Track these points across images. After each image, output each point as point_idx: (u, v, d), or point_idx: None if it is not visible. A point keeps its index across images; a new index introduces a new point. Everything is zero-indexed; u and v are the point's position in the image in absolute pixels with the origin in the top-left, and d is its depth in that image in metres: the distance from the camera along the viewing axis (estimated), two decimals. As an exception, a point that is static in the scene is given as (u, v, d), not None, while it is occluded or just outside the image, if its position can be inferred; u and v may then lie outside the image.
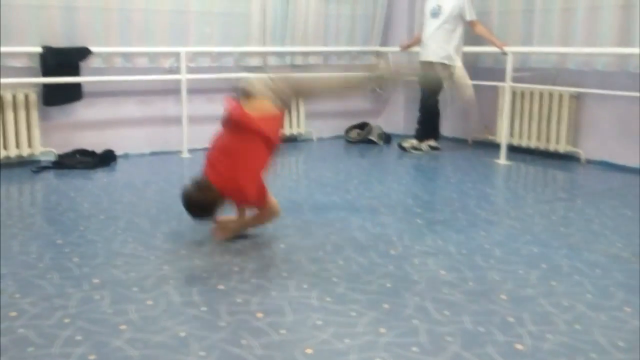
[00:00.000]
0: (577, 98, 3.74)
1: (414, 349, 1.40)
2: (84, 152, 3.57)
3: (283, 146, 4.19)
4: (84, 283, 1.77)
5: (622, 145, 3.58)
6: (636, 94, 3.35)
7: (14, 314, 1.55)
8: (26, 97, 3.42)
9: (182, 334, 1.45)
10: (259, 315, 1.56)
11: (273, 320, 1.53)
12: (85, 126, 3.68)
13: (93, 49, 3.52)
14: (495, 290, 1.75)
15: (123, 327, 1.49)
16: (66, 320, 1.52)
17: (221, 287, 1.74)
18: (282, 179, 3.27)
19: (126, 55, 3.69)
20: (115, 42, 3.62)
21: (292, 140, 4.44)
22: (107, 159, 3.57)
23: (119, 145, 3.76)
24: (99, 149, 3.63)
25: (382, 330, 1.49)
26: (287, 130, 4.36)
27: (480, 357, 1.36)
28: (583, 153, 3.76)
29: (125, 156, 3.78)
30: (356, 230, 2.32)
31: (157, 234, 2.24)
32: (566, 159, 3.81)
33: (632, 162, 3.53)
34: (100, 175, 3.26)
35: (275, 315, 1.56)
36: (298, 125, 4.41)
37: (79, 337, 1.44)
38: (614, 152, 3.62)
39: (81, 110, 3.65)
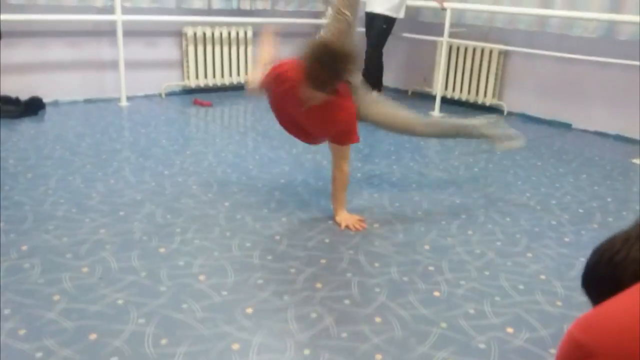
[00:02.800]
0: (505, 55, 3.81)
1: (346, 301, 1.46)
2: (6, 100, 3.13)
3: (231, 97, 4.03)
4: (11, 251, 1.62)
5: (539, 99, 3.74)
6: (553, 53, 3.46)
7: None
8: (-58, 41, 2.94)
9: (120, 302, 1.40)
10: (201, 277, 1.53)
11: (215, 282, 1.52)
12: (6, 70, 3.22)
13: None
14: (420, 241, 1.84)
15: (56, 297, 1.40)
16: (-2, 291, 1.41)
17: (162, 250, 1.68)
18: (228, 132, 3.14)
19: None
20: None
21: (240, 88, 4.22)
22: (33, 106, 3.16)
23: (48, 91, 3.36)
24: (24, 96, 3.22)
25: (319, 285, 1.53)
26: (235, 79, 4.13)
27: (403, 306, 1.45)
28: (506, 105, 3.91)
29: (55, 103, 3.42)
30: (300, 185, 2.31)
31: (93, 194, 2.08)
32: (491, 111, 3.93)
33: (546, 115, 3.72)
34: (26, 126, 2.94)
35: (217, 277, 1.55)
36: (246, 72, 4.18)
37: (6, 311, 1.33)
38: (532, 105, 3.78)
39: (1, 52, 3.18)
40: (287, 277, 1.56)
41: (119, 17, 3.38)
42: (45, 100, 3.31)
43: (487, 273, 1.65)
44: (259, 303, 1.43)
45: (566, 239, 1.91)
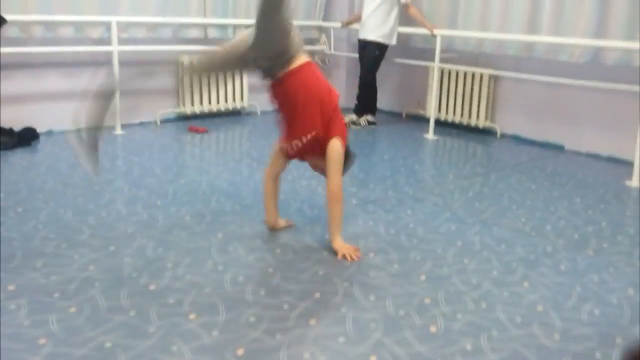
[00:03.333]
0: (495, 78, 3.85)
1: (341, 339, 1.42)
2: (0, 131, 3.14)
3: (226, 122, 4.03)
4: None
5: (531, 121, 3.76)
6: (542, 77, 3.50)
7: None
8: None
9: (108, 345, 1.34)
10: (192, 316, 1.49)
11: (205, 320, 1.47)
12: (2, 101, 3.21)
13: (7, 16, 3.04)
14: (416, 271, 1.81)
15: (42, 341, 1.35)
16: (-17, 336, 1.36)
17: (152, 287, 1.63)
18: (223, 158, 3.13)
19: (48, 24, 3.23)
20: (33, 8, 3.14)
21: (236, 114, 4.24)
22: (27, 137, 3.14)
23: (42, 121, 3.34)
24: (17, 126, 3.20)
25: (312, 322, 1.49)
26: (230, 104, 4.15)
27: (399, 343, 1.41)
28: (499, 128, 3.92)
29: (49, 133, 3.40)
30: (295, 214, 2.28)
31: (84, 228, 2.04)
32: (485, 133, 3.95)
33: (538, 137, 3.73)
34: (19, 158, 2.91)
35: (208, 315, 1.50)
36: (242, 99, 4.20)
37: None
38: (524, 127, 3.80)
39: (-1, 85, 3.19)
40: (280, 313, 1.52)
41: (115, 48, 3.40)
42: (39, 130, 3.30)
43: (483, 305, 1.61)
44: (250, 343, 1.38)
45: (562, 267, 1.88)
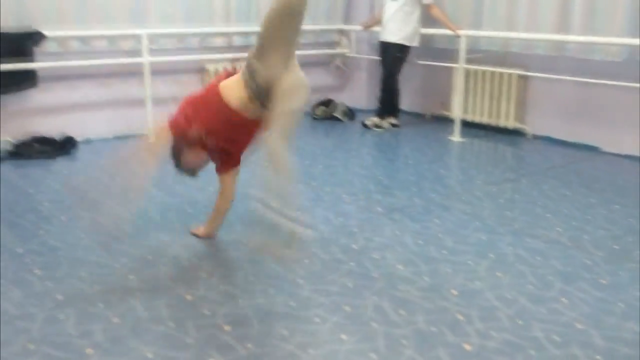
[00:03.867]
0: (524, 78, 3.76)
1: (372, 355, 1.41)
2: (42, 140, 3.29)
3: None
4: (47, 300, 1.66)
5: (563, 122, 3.66)
6: (573, 77, 3.39)
7: (-24, 341, 1.45)
8: (-25, 85, 3.08)
9: (150, 355, 1.40)
10: (226, 328, 1.52)
11: (240, 332, 1.50)
12: (42, 112, 3.38)
13: (47, 32, 3.17)
14: (447, 285, 1.78)
15: (89, 350, 1.42)
16: (31, 347, 1.43)
17: (189, 297, 1.68)
18: (249, 165, 3.15)
19: (83, 39, 3.36)
20: (70, 24, 3.27)
21: (258, 118, 4.27)
22: (67, 146, 3.31)
23: (80, 130, 3.49)
24: (58, 136, 3.36)
25: (344, 336, 1.49)
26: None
27: (432, 362, 1.40)
28: (529, 129, 3.83)
29: (88, 141, 3.53)
30: (321, 222, 2.29)
31: (123, 237, 2.10)
32: (514, 134, 3.86)
33: (571, 138, 3.62)
34: (60, 166, 3.04)
35: (242, 327, 1.52)
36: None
37: None
38: (556, 128, 3.69)
39: (37, 96, 3.34)
40: (311, 327, 1.53)
41: (146, 59, 3.50)
42: (78, 138, 3.44)
43: (520, 322, 1.57)
44: (285, 357, 1.39)
45: (602, 281, 1.82)
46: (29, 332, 1.49)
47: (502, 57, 3.78)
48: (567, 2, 3.35)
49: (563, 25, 3.39)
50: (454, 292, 1.74)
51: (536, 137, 3.79)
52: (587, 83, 3.42)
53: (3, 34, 3.03)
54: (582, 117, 3.57)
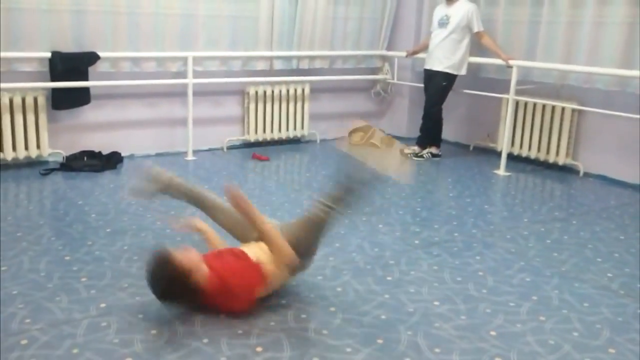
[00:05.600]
0: (578, 112, 3.72)
1: (404, 391, 1.45)
2: (91, 154, 3.60)
3: (287, 150, 4.25)
4: (91, 307, 1.82)
5: (621, 161, 3.57)
6: (635, 115, 3.33)
7: (24, 341, 1.61)
8: (35, 100, 3.43)
9: (185, 370, 1.51)
10: (258, 349, 1.61)
11: (271, 355, 1.58)
12: (92, 128, 3.71)
13: (101, 54, 3.51)
14: (486, 325, 1.80)
15: (129, 359, 1.55)
16: (74, 351, 1.57)
17: (222, 316, 1.78)
18: (284, 189, 3.29)
19: (134, 60, 3.69)
20: (123, 46, 3.61)
21: (296, 141, 4.45)
22: (113, 160, 3.60)
23: (125, 146, 3.79)
24: (105, 150, 3.66)
25: (375, 370, 1.54)
26: (291, 132, 4.37)
27: (466, 403, 1.41)
28: (582, 166, 3.76)
29: (131, 157, 3.81)
30: (355, 251, 2.36)
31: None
32: (565, 171, 3.81)
33: (629, 178, 3.53)
34: (107, 180, 3.29)
35: (274, 349, 1.61)
36: (302, 127, 4.41)
37: None
38: (613, 167, 3.61)
39: (89, 113, 3.66)
40: (343, 356, 1.59)
41: (190, 81, 3.79)
42: (123, 153, 3.74)
43: (562, 370, 1.57)
44: (313, 386, 1.46)
45: (657, 334, 1.78)
46: (74, 337, 1.64)
47: (555, 89, 3.78)
48: (633, 36, 3.31)
49: (625, 61, 3.34)
50: (493, 333, 1.75)
51: (589, 175, 3.72)
52: (647, 121, 3.35)
53: (62, 54, 3.39)
54: (641, 157, 3.48)
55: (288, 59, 4.22)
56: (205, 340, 1.64)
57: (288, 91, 4.27)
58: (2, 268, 2.05)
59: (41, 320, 1.72)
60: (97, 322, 1.73)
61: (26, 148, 3.45)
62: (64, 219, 2.63)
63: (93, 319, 1.74)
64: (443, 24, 3.84)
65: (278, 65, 4.20)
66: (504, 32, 3.96)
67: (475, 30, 3.81)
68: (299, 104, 4.34)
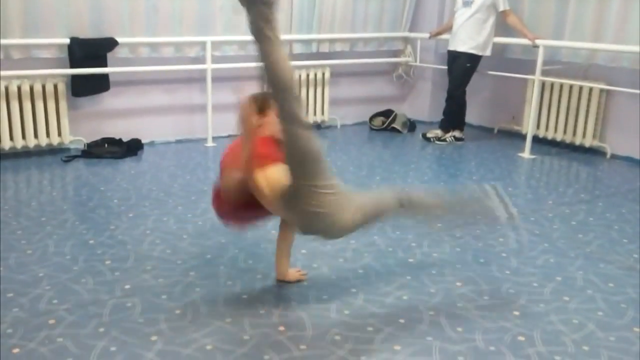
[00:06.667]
0: (606, 93, 3.67)
1: (427, 367, 1.52)
2: (111, 141, 3.72)
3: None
4: (116, 288, 1.91)
5: (652, 142, 3.53)
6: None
7: (52, 321, 1.70)
8: (55, 87, 3.54)
9: (209, 347, 1.58)
10: (281, 328, 1.68)
11: (294, 334, 1.66)
12: (112, 115, 3.81)
13: (120, 39, 3.59)
14: (509, 305, 1.84)
15: (154, 337, 1.63)
16: (101, 330, 1.67)
17: (245, 296, 1.87)
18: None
19: (152, 45, 3.76)
20: (141, 32, 3.69)
21: (316, 127, 4.49)
22: (134, 147, 3.71)
23: (146, 133, 3.89)
24: (126, 137, 3.77)
25: (397, 347, 1.60)
26: (311, 118, 4.42)
27: (489, 378, 1.47)
28: (609, 148, 3.73)
29: (152, 144, 3.91)
30: (376, 234, 2.42)
31: (184, 236, 2.37)
32: (591, 153, 3.78)
33: (660, 160, 3.49)
34: (127, 166, 3.40)
35: (296, 329, 1.68)
36: (322, 112, 4.45)
37: (113, 348, 1.58)
38: (639, 148, 3.57)
39: (109, 100, 3.77)
40: (365, 335, 1.66)
41: (209, 66, 3.86)
42: (143, 140, 3.85)
43: (586, 348, 1.61)
44: (337, 361, 1.54)
45: (685, 315, 1.79)
46: (100, 317, 1.74)
47: (583, 69, 3.72)
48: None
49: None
50: (516, 312, 1.80)
51: (616, 157, 3.68)
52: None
53: (80, 40, 3.49)
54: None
55: (308, 42, 4.24)
56: (229, 320, 1.72)
57: (308, 75, 4.29)
58: (28, 252, 2.17)
59: (68, 301, 1.82)
60: (123, 302, 1.82)
61: (47, 135, 3.58)
62: (87, 204, 2.75)
63: (118, 299, 1.84)
64: (467, 3, 3.81)
65: (297, 48, 4.22)
66: (531, 10, 3.90)
67: (501, 9, 3.76)
68: (319, 89, 4.36)
